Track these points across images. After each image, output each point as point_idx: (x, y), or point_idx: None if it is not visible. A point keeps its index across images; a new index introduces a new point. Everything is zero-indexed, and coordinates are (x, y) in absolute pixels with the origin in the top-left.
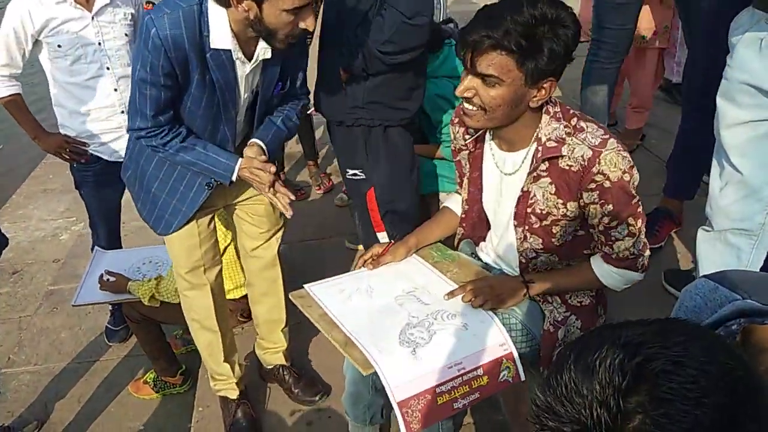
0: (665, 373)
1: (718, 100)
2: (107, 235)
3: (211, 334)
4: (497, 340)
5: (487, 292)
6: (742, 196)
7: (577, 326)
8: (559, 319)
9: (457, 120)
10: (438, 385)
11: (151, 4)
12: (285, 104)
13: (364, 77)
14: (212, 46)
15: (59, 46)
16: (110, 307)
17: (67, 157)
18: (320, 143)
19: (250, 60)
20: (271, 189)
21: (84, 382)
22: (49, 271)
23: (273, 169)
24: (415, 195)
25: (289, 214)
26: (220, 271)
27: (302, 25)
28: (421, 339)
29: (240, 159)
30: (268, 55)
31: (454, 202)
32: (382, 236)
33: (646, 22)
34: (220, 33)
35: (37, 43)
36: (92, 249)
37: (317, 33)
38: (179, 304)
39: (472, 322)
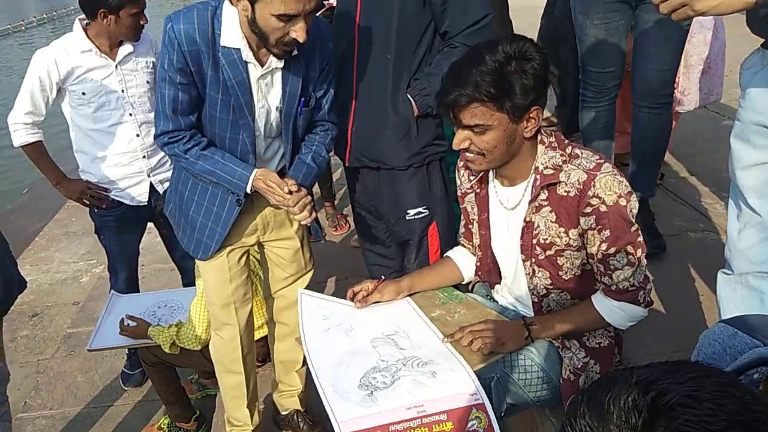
0: (681, 407)
1: (732, 141)
2: (126, 278)
3: (236, 377)
4: (467, 389)
5: (487, 335)
6: (762, 238)
7: (596, 371)
8: (579, 366)
9: (461, 164)
10: (392, 424)
11: None
12: (314, 130)
13: (434, 114)
14: (222, 44)
15: (83, 93)
16: (126, 351)
17: (88, 203)
18: (337, 184)
19: (263, 66)
20: (287, 200)
21: (98, 427)
22: (69, 314)
23: (292, 185)
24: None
25: (307, 219)
26: (251, 312)
27: (293, 34)
28: (382, 383)
29: (256, 170)
30: (280, 65)
31: (457, 253)
32: None
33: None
34: (231, 31)
35: (60, 91)
36: (110, 292)
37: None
38: (197, 350)
39: (441, 371)
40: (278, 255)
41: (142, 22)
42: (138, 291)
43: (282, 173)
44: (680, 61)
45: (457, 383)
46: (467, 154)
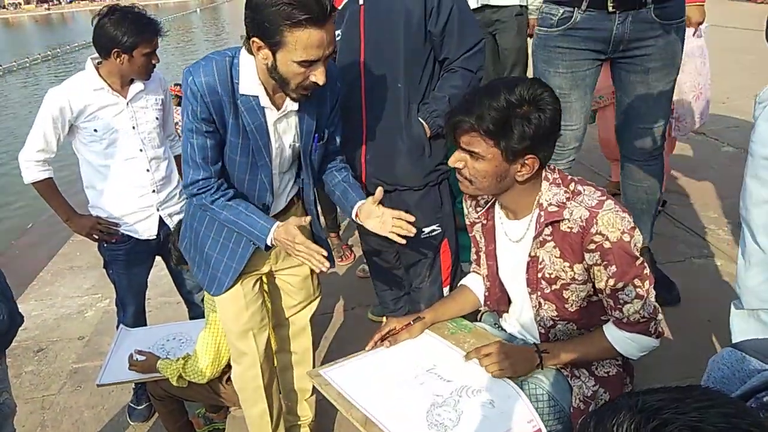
0: None
1: (746, 178)
2: (134, 312)
3: (259, 406)
4: (525, 417)
5: (501, 359)
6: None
7: (606, 399)
8: (589, 394)
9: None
10: None
11: (178, 86)
12: (332, 160)
13: (444, 135)
14: (241, 92)
15: (95, 130)
16: (133, 385)
17: (98, 238)
18: (341, 215)
19: (279, 109)
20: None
21: None
22: (74, 349)
23: (304, 241)
24: None
25: (325, 267)
26: (269, 341)
27: (312, 78)
28: (449, 420)
29: (277, 223)
30: (295, 107)
31: (471, 280)
32: (447, 291)
33: (602, 82)
34: (249, 80)
35: (72, 128)
36: (117, 326)
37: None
38: (205, 384)
39: (498, 398)
40: (287, 282)
41: (153, 62)
42: (145, 324)
43: (290, 204)
44: (670, 113)
45: (515, 411)
46: (458, 175)
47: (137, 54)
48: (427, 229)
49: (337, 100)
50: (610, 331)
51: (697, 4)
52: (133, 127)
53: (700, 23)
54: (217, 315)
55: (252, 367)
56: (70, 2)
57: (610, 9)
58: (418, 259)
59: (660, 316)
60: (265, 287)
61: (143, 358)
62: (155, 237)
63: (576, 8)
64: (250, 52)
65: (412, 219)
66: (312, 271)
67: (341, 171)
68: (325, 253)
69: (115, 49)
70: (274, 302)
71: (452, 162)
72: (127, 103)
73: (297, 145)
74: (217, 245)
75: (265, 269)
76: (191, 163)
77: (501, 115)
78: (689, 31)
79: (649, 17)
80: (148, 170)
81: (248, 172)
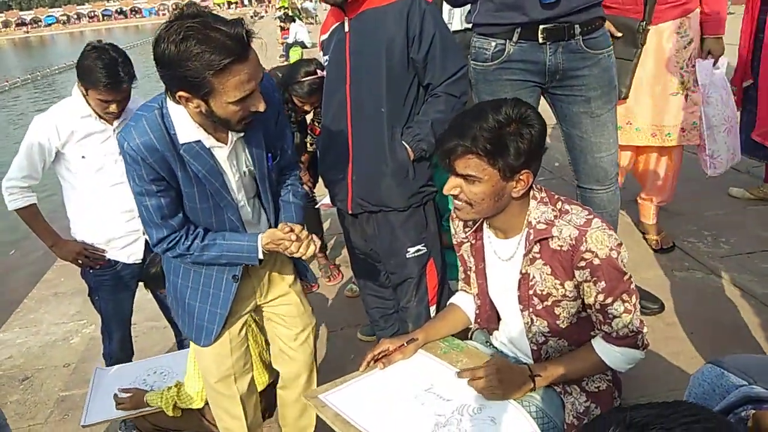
0: None
1: None
2: (120, 339)
3: None
4: (526, 430)
5: (495, 384)
6: None
7: (597, 414)
8: (581, 410)
9: (455, 214)
10: None
11: None
12: (285, 176)
13: (427, 158)
14: (182, 141)
15: (83, 157)
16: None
17: (82, 263)
18: (328, 235)
19: (226, 143)
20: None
21: None
22: (60, 377)
23: (299, 231)
24: None
25: (316, 244)
26: (252, 379)
27: (252, 109)
28: None
29: (260, 234)
30: (241, 134)
31: (461, 299)
32: (433, 310)
33: (673, 119)
34: (185, 128)
35: (58, 154)
36: (104, 355)
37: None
38: (198, 410)
39: (498, 414)
40: (279, 314)
41: (111, 109)
42: (132, 351)
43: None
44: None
45: (517, 427)
46: (455, 201)
47: (92, 95)
48: (412, 249)
49: (279, 112)
50: (600, 346)
51: (716, 36)
52: (120, 154)
53: (720, 55)
54: None
55: (234, 408)
56: (49, 25)
57: (540, 41)
58: (404, 278)
59: (646, 329)
60: (254, 327)
61: (129, 394)
62: (140, 261)
63: (507, 40)
64: (178, 103)
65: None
66: (300, 297)
67: (286, 188)
68: (317, 241)
69: (78, 80)
70: (272, 337)
71: (447, 190)
72: (114, 130)
73: (254, 170)
74: (197, 294)
75: (251, 307)
76: (151, 224)
77: (493, 135)
78: (708, 62)
79: (579, 47)
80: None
81: (213, 215)
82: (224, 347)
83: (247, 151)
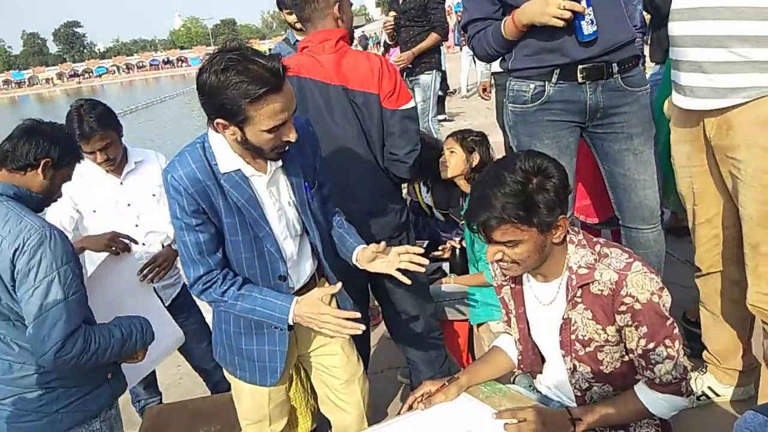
0: None
1: None
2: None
3: None
4: None
5: (536, 427)
6: None
7: None
8: None
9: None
10: None
11: None
12: (330, 210)
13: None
14: (222, 171)
15: (94, 211)
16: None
17: (114, 248)
18: None
19: (265, 172)
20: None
21: None
22: None
23: (330, 311)
24: None
25: (359, 330)
26: (288, 423)
27: (285, 138)
28: None
29: (295, 298)
30: (280, 163)
31: (504, 342)
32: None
33: None
34: (226, 157)
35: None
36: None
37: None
38: None
39: None
40: (323, 364)
41: (98, 159)
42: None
43: (312, 282)
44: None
45: None
46: (501, 263)
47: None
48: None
49: (316, 146)
50: (642, 393)
51: None
52: (128, 205)
53: None
54: None
55: None
56: (99, 76)
57: (580, 80)
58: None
59: (689, 376)
60: (302, 374)
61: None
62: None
63: (546, 82)
64: (216, 130)
65: (420, 251)
66: (343, 345)
67: (335, 216)
68: (358, 315)
69: None
70: (317, 385)
71: (490, 257)
72: (121, 183)
73: (295, 200)
74: (252, 337)
75: (293, 356)
76: (189, 262)
77: (520, 199)
78: None
79: (618, 85)
80: (143, 243)
81: (253, 249)
82: (263, 396)
83: (287, 182)
